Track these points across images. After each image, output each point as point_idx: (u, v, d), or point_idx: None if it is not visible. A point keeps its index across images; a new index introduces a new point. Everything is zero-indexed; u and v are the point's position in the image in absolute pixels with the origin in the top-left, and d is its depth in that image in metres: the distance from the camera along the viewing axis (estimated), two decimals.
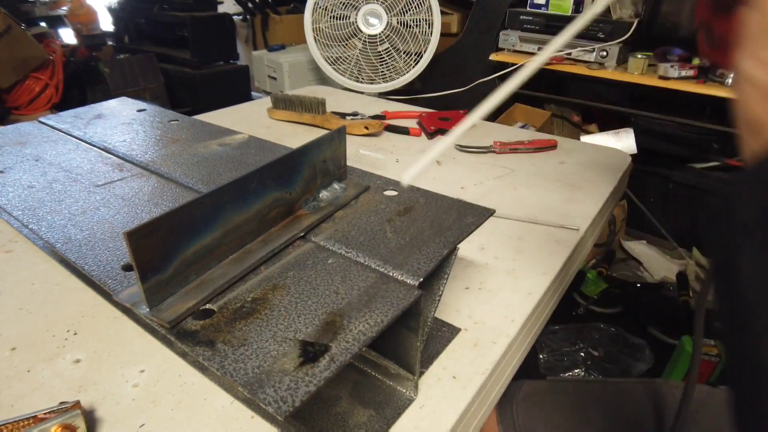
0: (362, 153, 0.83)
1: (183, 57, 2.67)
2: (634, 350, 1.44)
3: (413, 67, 1.79)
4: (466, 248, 0.56)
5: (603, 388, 0.65)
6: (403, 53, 1.79)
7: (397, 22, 1.73)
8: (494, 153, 0.82)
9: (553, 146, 0.85)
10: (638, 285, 1.73)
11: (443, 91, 1.96)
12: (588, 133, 2.01)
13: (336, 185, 0.50)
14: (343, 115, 0.97)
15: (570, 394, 0.63)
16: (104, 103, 0.86)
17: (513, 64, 1.82)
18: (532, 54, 1.82)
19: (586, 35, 1.70)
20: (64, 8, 2.80)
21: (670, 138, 1.79)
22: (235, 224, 0.40)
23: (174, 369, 0.39)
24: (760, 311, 0.21)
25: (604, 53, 1.66)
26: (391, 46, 1.76)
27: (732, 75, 0.36)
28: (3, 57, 2.25)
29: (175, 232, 0.34)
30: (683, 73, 1.52)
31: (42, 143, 0.69)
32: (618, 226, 1.89)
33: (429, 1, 1.70)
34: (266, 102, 1.03)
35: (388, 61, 1.78)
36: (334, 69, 1.88)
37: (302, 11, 1.82)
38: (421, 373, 0.40)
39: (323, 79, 2.07)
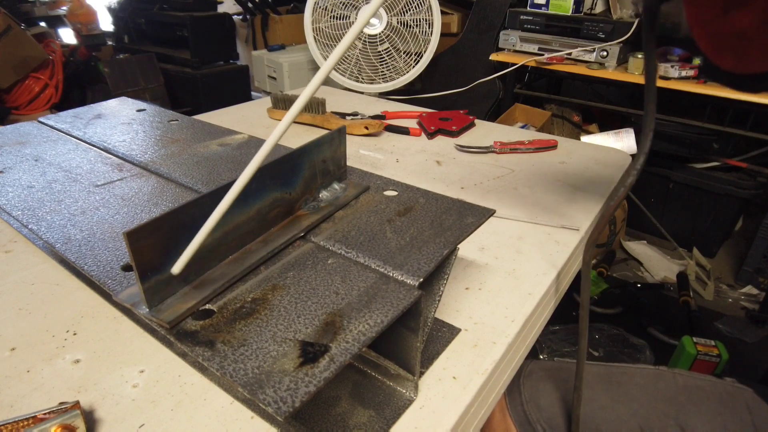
0: (362, 153, 0.83)
1: (183, 57, 2.67)
2: (634, 350, 1.44)
3: (413, 67, 1.79)
4: (466, 248, 0.56)
5: (607, 370, 0.65)
6: (403, 53, 1.79)
7: (397, 22, 1.73)
8: (494, 153, 0.82)
9: (553, 146, 0.84)
10: (638, 285, 1.73)
11: (443, 91, 1.96)
12: (588, 133, 2.01)
13: (336, 185, 0.50)
14: (343, 115, 0.97)
15: (574, 373, 0.65)
16: (104, 103, 0.86)
17: (513, 64, 1.82)
18: (532, 54, 1.82)
19: (587, 35, 1.69)
20: (64, 8, 2.80)
21: (670, 138, 1.79)
22: (235, 224, 0.39)
23: (174, 369, 0.39)
24: None
25: (605, 53, 1.66)
26: (391, 46, 1.76)
27: None
28: (3, 57, 2.25)
29: (175, 232, 0.34)
30: (683, 73, 1.52)
31: (42, 143, 0.69)
32: (618, 226, 1.89)
33: (429, 1, 1.69)
34: (266, 102, 1.03)
35: (388, 61, 1.78)
36: (334, 69, 1.88)
37: (302, 11, 1.82)
38: (421, 374, 0.40)
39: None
